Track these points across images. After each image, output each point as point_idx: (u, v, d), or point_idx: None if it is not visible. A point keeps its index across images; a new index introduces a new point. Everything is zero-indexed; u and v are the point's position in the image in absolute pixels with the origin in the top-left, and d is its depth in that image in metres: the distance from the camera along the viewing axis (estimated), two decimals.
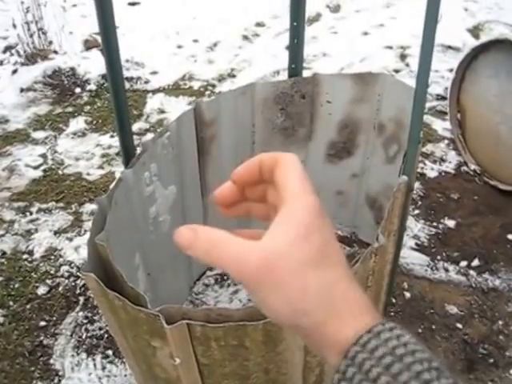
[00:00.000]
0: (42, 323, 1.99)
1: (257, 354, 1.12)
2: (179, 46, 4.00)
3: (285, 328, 0.44)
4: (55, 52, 3.64)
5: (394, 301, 1.99)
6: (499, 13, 4.21)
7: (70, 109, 3.27)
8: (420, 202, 2.47)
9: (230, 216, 0.51)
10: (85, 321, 2.00)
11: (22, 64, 3.55)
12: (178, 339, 1.09)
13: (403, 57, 3.67)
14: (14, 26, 3.44)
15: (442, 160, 2.74)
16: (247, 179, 0.47)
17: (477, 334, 1.89)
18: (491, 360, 1.81)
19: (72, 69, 3.49)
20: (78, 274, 2.17)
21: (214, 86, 3.49)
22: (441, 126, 2.97)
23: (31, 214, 2.49)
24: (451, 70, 2.83)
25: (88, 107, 3.29)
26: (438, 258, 2.19)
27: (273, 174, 0.44)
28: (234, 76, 3.59)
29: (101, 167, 2.79)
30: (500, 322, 1.92)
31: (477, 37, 3.87)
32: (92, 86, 3.44)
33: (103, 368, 1.84)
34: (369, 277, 1.27)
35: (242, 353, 1.11)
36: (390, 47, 3.79)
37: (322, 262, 0.40)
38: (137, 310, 1.08)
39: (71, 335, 1.95)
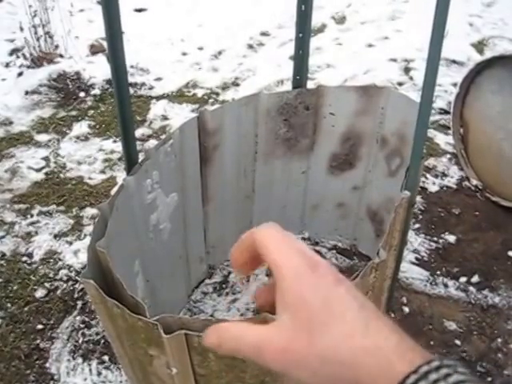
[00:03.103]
0: (39, 326, 1.98)
1: (254, 365, 1.12)
2: (184, 53, 4.02)
3: None
4: (61, 56, 3.66)
5: (392, 315, 1.98)
6: (504, 28, 4.23)
7: (73, 113, 3.29)
8: (421, 216, 2.47)
9: None
10: (82, 325, 1.99)
11: (28, 67, 3.57)
12: (175, 349, 1.08)
13: (407, 70, 3.68)
14: (21, 29, 3.46)
15: (444, 174, 2.74)
16: (245, 262, 0.47)
17: (475, 352, 1.87)
18: (489, 378, 1.79)
19: (77, 73, 3.51)
20: (77, 277, 2.16)
21: (217, 94, 3.50)
22: (443, 140, 2.97)
23: (32, 216, 2.49)
24: (455, 84, 2.85)
25: (92, 111, 3.30)
26: (438, 273, 2.18)
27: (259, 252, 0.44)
28: (237, 85, 3.60)
29: (103, 172, 2.80)
30: (499, 340, 1.91)
31: (481, 52, 3.88)
32: (96, 91, 3.45)
33: (99, 373, 1.83)
34: (368, 292, 1.27)
35: (238, 364, 1.11)
36: (395, 60, 3.80)
37: (327, 323, 0.39)
38: (135, 319, 1.07)
39: (68, 339, 1.94)
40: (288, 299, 0.41)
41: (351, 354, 0.38)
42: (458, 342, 1.90)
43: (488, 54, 3.33)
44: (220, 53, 4.03)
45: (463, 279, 2.15)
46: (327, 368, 0.39)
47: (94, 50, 3.83)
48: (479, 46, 3.99)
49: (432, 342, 1.90)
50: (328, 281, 0.41)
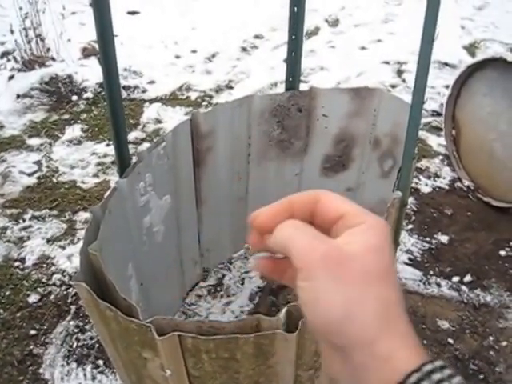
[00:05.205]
0: (32, 332, 1.97)
1: (248, 366, 1.12)
2: (177, 56, 4.02)
3: (320, 340, 0.41)
4: (53, 59, 3.64)
5: None
6: (495, 31, 4.26)
7: (66, 116, 3.27)
8: (414, 217, 2.48)
9: (259, 267, 0.47)
10: (76, 330, 1.98)
11: (19, 70, 3.54)
12: (168, 351, 1.08)
13: (400, 72, 3.70)
14: (12, 31, 3.43)
15: (437, 176, 2.75)
16: (270, 226, 0.44)
17: (468, 350, 1.88)
18: (481, 376, 1.81)
19: (69, 76, 3.50)
20: (70, 282, 2.15)
21: (211, 96, 3.50)
22: (436, 141, 2.99)
23: (24, 221, 2.48)
24: (447, 87, 2.86)
25: (84, 115, 3.29)
26: (431, 272, 2.19)
27: (315, 211, 0.43)
28: (231, 87, 3.61)
29: (96, 175, 2.79)
30: (491, 338, 1.93)
31: (473, 54, 3.91)
32: (89, 94, 3.44)
33: (93, 378, 1.82)
34: None
35: (232, 365, 1.11)
36: (387, 62, 3.82)
37: (386, 279, 0.39)
38: (128, 321, 1.07)
39: (62, 344, 1.93)
40: (374, 234, 0.41)
41: (363, 358, 0.38)
42: (450, 340, 1.91)
43: (479, 56, 3.35)
44: (213, 55, 4.03)
45: (456, 279, 2.16)
46: (363, 310, 0.38)
47: (87, 53, 3.82)
48: (471, 49, 4.02)
49: (425, 341, 1.91)
50: (394, 253, 0.42)
